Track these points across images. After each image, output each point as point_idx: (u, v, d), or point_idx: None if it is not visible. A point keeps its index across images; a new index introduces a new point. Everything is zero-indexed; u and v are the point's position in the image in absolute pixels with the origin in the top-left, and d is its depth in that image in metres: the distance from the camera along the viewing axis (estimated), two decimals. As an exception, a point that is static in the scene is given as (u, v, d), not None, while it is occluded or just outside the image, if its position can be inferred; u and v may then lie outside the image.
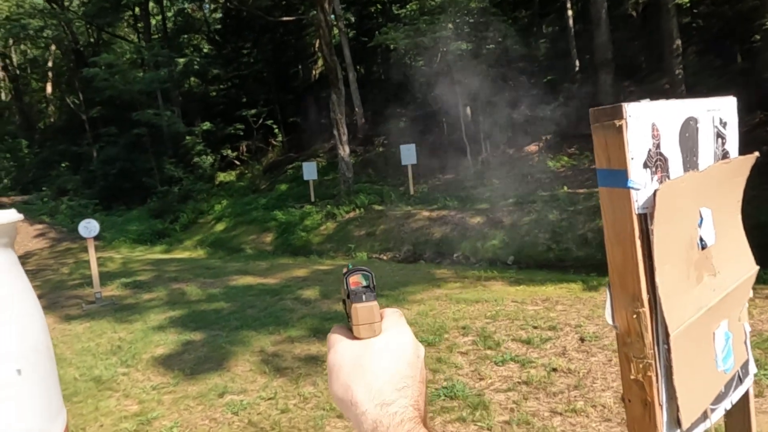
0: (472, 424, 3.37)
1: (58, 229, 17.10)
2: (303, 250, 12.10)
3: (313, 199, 14.58)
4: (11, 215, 0.63)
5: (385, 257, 10.84)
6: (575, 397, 3.57)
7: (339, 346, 0.62)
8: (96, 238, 7.94)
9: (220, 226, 15.78)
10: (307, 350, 4.98)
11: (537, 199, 10.71)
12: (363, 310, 0.61)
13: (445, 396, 3.76)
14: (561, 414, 3.37)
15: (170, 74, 20.14)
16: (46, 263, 13.25)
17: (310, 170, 14.77)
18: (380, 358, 0.59)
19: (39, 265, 13.13)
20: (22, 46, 28.07)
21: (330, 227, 12.84)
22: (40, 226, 17.08)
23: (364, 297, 0.61)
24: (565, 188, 11.15)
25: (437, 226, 11.11)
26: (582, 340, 4.46)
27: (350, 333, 0.62)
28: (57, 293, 8.94)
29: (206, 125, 19.63)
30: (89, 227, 7.58)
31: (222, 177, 19.94)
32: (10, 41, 25.99)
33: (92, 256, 7.78)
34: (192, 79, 23.34)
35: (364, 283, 0.63)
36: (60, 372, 4.87)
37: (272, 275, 8.97)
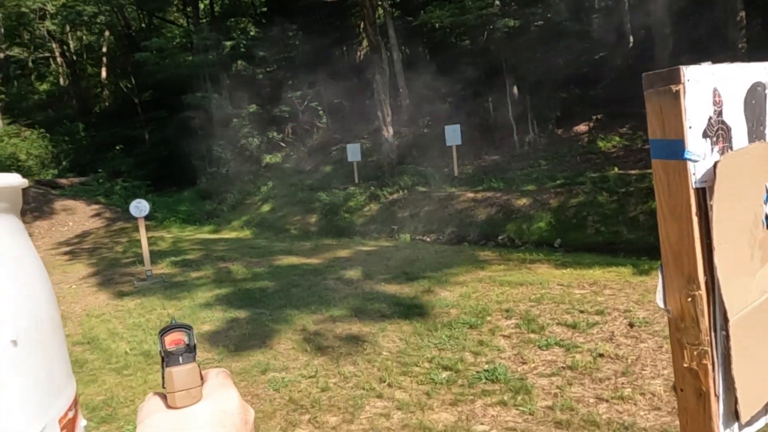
0: (514, 408, 3.30)
1: (113, 209, 17.75)
2: (346, 231, 12.16)
3: (356, 181, 14.60)
4: (13, 179, 0.61)
5: (428, 239, 10.77)
6: (623, 384, 3.45)
7: (149, 420, 0.52)
8: (148, 218, 8.18)
9: (266, 207, 16.03)
10: (348, 330, 5.00)
11: (586, 181, 10.38)
12: (179, 374, 0.52)
13: (486, 379, 3.70)
14: (607, 401, 3.26)
15: (218, 57, 20.43)
16: (102, 242, 13.79)
17: (354, 152, 14.77)
18: (200, 429, 0.50)
19: (95, 244, 13.69)
20: (79, 33, 29.02)
21: (373, 208, 12.85)
22: (96, 206, 17.76)
23: (180, 359, 0.53)
24: (616, 169, 10.76)
25: (482, 208, 10.95)
26: (631, 325, 4.30)
27: (166, 402, 0.53)
28: (111, 270, 9.29)
29: (253, 107, 19.87)
30: (140, 207, 7.82)
31: (268, 159, 20.20)
32: (67, 28, 26.92)
33: (143, 235, 8.02)
34: (239, 61, 23.63)
35: (186, 341, 0.54)
36: (112, 346, 5.06)
37: (316, 255, 9.05)
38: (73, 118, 26.41)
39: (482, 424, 3.18)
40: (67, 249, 13.27)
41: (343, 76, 20.64)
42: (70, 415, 0.63)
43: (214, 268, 8.63)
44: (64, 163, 24.06)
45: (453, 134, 12.89)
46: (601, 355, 3.86)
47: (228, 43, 20.57)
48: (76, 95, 28.31)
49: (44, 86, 30.08)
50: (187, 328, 0.55)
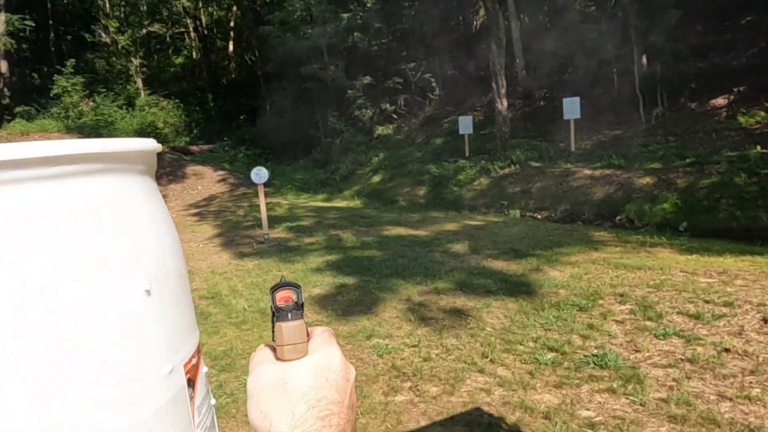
0: (623, 396, 3.15)
1: (236, 175, 18.99)
2: (454, 205, 12.09)
3: (467, 154, 14.40)
4: (149, 143, 0.67)
5: (539, 216, 10.43)
6: (750, 383, 3.16)
7: (260, 369, 0.56)
8: (266, 184, 8.66)
9: (376, 178, 16.33)
10: (452, 303, 5.01)
11: (721, 160, 9.45)
12: (288, 329, 0.56)
13: (595, 364, 3.56)
14: (731, 399, 3.01)
15: (335, 30, 20.88)
16: (226, 205, 14.84)
17: (465, 124, 14.54)
18: (304, 382, 0.54)
19: (220, 207, 14.76)
20: (210, 8, 30.93)
21: (483, 183, 12.63)
22: (222, 172, 19.10)
23: (289, 315, 0.56)
24: (759, 148, 9.68)
25: (599, 186, 10.37)
26: (765, 320, 3.91)
27: (275, 354, 0.57)
28: (233, 232, 9.99)
29: (367, 79, 20.16)
30: (260, 174, 8.28)
31: (380, 130, 20.48)
32: (200, 4, 28.77)
33: (262, 200, 8.51)
34: (356, 33, 24.00)
35: (294, 299, 0.57)
36: (233, 302, 5.47)
37: (423, 227, 9.11)
38: (204, 90, 28.40)
39: (588, 409, 3.07)
40: (196, 211, 14.44)
41: (458, 46, 20.26)
42: (194, 361, 0.69)
43: (325, 235, 8.99)
44: (195, 131, 26.04)
45: (572, 107, 12.25)
46: (726, 350, 3.55)
47: (345, 15, 20.90)
48: (207, 68, 30.33)
49: (179, 60, 32.53)
50: (296, 286, 0.58)
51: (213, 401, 0.75)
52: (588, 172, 11.03)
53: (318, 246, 8.15)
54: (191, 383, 0.67)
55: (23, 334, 0.49)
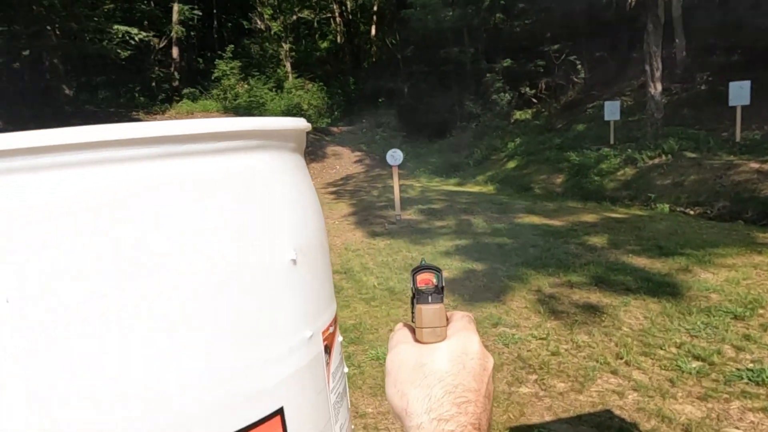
0: (783, 419, 2.81)
1: (372, 156, 19.55)
2: (594, 195, 11.42)
3: (612, 142, 13.49)
4: (301, 123, 0.71)
5: (692, 212, 9.51)
6: None
7: (400, 348, 0.57)
8: (400, 166, 8.82)
9: (511, 164, 15.92)
10: (586, 298, 4.77)
11: None
12: (428, 312, 0.56)
13: (749, 380, 3.20)
14: None
15: (477, 11, 20.50)
16: (361, 186, 15.37)
17: (612, 110, 13.60)
18: (441, 366, 0.54)
19: (356, 187, 15.32)
20: (355, -6, 31.90)
21: (628, 173, 11.77)
22: (359, 153, 19.78)
23: (430, 298, 0.56)
24: None
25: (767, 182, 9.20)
26: None
27: (414, 335, 0.58)
28: (367, 212, 10.33)
29: (507, 62, 19.61)
30: (395, 156, 8.45)
31: (518, 115, 19.87)
32: (346, -11, 29.76)
33: (396, 182, 8.69)
34: (497, 15, 23.39)
35: (434, 282, 0.57)
36: (363, 278, 5.68)
37: (558, 217, 8.74)
38: (345, 72, 29.47)
39: (737, 428, 2.78)
40: (333, 189, 15.14)
41: (608, 26, 18.92)
42: (331, 330, 0.73)
43: (456, 219, 8.97)
44: (336, 113, 27.16)
45: (740, 92, 10.92)
46: None
47: (488, -4, 20.43)
48: (350, 52, 31.39)
49: (324, 44, 34.00)
50: (437, 270, 0.58)
51: (346, 369, 0.80)
52: (755, 165, 9.82)
53: (448, 230, 8.16)
54: (327, 350, 0.71)
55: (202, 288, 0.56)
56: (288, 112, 23.09)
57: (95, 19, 15.53)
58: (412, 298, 0.58)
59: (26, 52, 17.58)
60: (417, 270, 0.58)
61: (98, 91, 22.67)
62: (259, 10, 29.38)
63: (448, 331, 0.57)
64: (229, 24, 32.91)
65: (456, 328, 0.58)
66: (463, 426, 0.50)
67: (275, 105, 23.31)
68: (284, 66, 29.01)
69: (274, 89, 24.99)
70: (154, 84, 24.16)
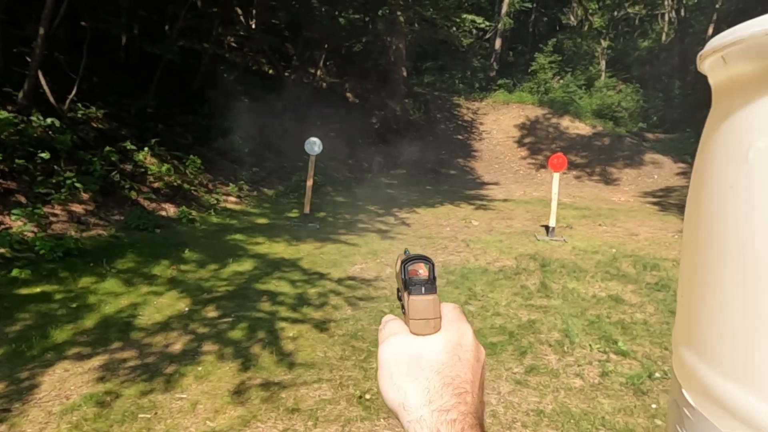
0: None
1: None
2: None
3: None
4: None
5: None
6: None
7: (393, 341, 0.55)
8: None
9: None
10: None
11: None
12: (421, 303, 0.54)
13: None
14: None
15: None
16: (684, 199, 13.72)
17: None
18: (438, 358, 0.53)
19: (680, 201, 13.75)
20: (695, -12, 28.56)
21: None
22: (683, 165, 17.73)
23: (423, 289, 0.55)
24: None
25: None
26: None
27: (405, 327, 0.56)
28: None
29: None
30: None
31: None
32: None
33: None
34: None
35: (425, 273, 0.55)
36: None
37: None
38: (670, 75, 26.79)
39: None
40: (654, 200, 13.86)
41: None
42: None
43: None
44: (653, 118, 24.87)
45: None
46: None
47: None
48: (679, 52, 28.41)
49: (645, 43, 31.38)
50: (428, 260, 0.56)
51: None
52: None
53: None
54: None
55: None
56: (599, 113, 21.97)
57: (449, 8, 16.77)
58: (398, 289, 0.58)
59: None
60: (407, 261, 0.56)
61: (423, 75, 24.71)
62: (583, 4, 28.43)
63: (441, 323, 0.55)
64: (545, 18, 32.70)
65: (448, 319, 0.56)
66: (464, 415, 0.49)
67: (584, 103, 22.38)
68: (598, 63, 27.67)
69: (583, 87, 24.03)
70: (469, 72, 25.33)
